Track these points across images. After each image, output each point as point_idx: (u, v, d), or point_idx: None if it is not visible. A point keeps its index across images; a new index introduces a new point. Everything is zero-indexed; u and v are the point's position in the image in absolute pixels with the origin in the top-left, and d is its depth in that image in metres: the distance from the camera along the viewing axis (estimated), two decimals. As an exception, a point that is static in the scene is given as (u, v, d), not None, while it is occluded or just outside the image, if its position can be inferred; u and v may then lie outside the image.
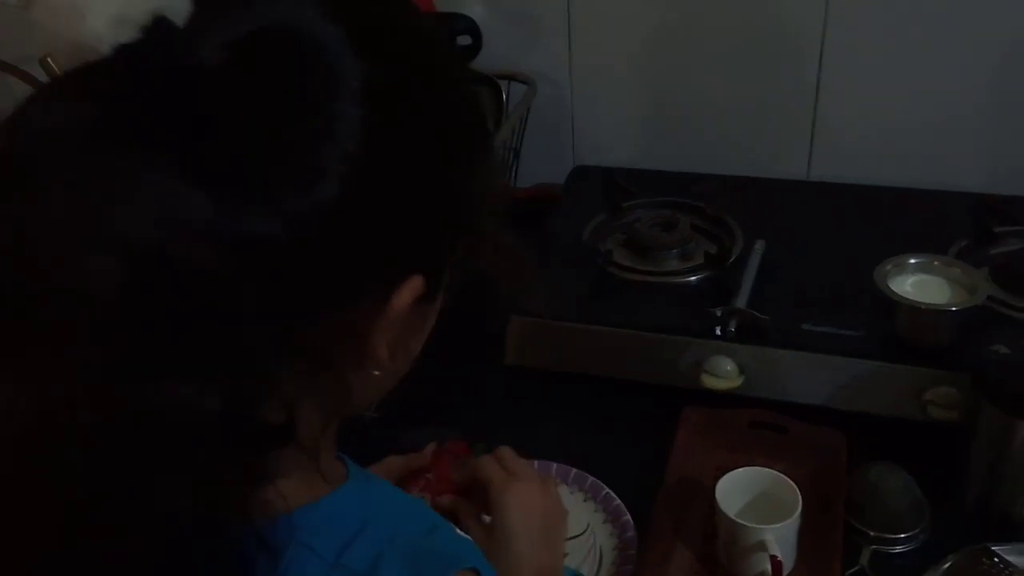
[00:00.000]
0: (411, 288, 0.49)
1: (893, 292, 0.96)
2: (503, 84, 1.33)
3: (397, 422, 1.06)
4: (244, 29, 0.45)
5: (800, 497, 0.85)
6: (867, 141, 1.30)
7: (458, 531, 0.63)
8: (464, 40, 1.14)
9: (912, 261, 1.00)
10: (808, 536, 0.88)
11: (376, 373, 0.52)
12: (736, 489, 0.87)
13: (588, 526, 0.93)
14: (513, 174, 1.37)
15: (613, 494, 0.94)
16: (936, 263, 1.00)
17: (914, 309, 0.95)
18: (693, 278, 1.12)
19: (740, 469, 0.88)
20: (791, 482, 0.86)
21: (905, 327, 0.97)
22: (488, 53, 1.33)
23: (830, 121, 1.31)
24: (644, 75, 1.36)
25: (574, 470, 0.98)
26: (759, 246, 1.14)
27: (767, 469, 0.88)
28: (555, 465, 0.98)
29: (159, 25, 0.43)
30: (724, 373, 1.01)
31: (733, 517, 0.84)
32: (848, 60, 1.26)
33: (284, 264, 0.44)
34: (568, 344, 1.08)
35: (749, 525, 0.83)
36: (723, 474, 0.91)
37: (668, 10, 1.30)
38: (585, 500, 0.95)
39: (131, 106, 0.42)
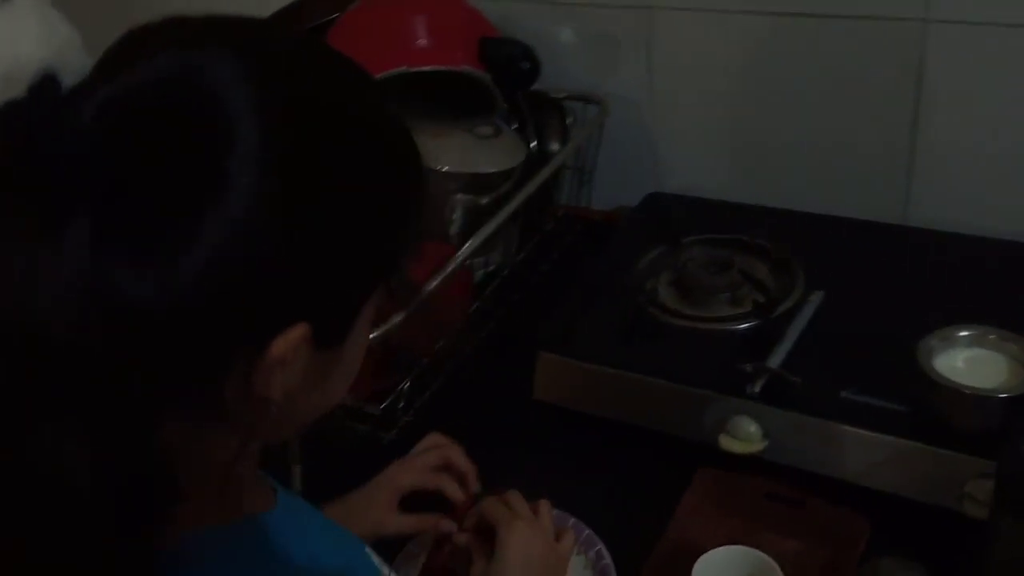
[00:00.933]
0: (291, 338, 0.49)
1: (934, 371, 0.86)
2: (577, 105, 1.30)
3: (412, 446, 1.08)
4: (126, 85, 0.45)
5: (783, 589, 0.78)
6: (970, 186, 1.17)
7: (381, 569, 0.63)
8: (524, 65, 1.12)
9: (962, 334, 0.89)
10: (800, 628, 0.81)
11: (275, 411, 0.51)
12: (720, 570, 0.82)
13: None
14: (586, 195, 1.34)
15: (605, 551, 0.91)
16: (991, 337, 0.89)
17: (957, 392, 0.85)
18: (738, 327, 1.06)
19: (723, 548, 0.82)
20: (778, 569, 0.80)
21: (948, 410, 0.87)
22: (566, 73, 1.30)
23: (930, 161, 1.19)
24: (728, 102, 1.28)
25: (572, 519, 0.94)
26: (816, 297, 1.05)
27: (754, 551, 0.82)
28: (555, 512, 0.95)
29: (44, 83, 0.45)
30: (746, 435, 0.95)
31: (704, 601, 0.78)
32: (948, 98, 1.14)
33: (155, 324, 0.45)
34: (592, 385, 1.04)
35: (718, 613, 0.77)
36: (729, 543, 0.86)
37: (754, 37, 1.22)
38: (577, 553, 0.92)
39: (9, 165, 0.44)
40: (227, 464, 0.52)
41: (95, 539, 0.45)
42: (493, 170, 1.10)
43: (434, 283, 0.99)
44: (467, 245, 1.04)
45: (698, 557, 0.85)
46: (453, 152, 1.08)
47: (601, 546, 0.91)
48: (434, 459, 0.83)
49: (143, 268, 0.44)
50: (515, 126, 1.24)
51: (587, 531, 0.93)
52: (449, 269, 1.01)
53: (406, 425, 1.07)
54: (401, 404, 1.07)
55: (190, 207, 0.44)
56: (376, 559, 0.68)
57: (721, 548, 0.82)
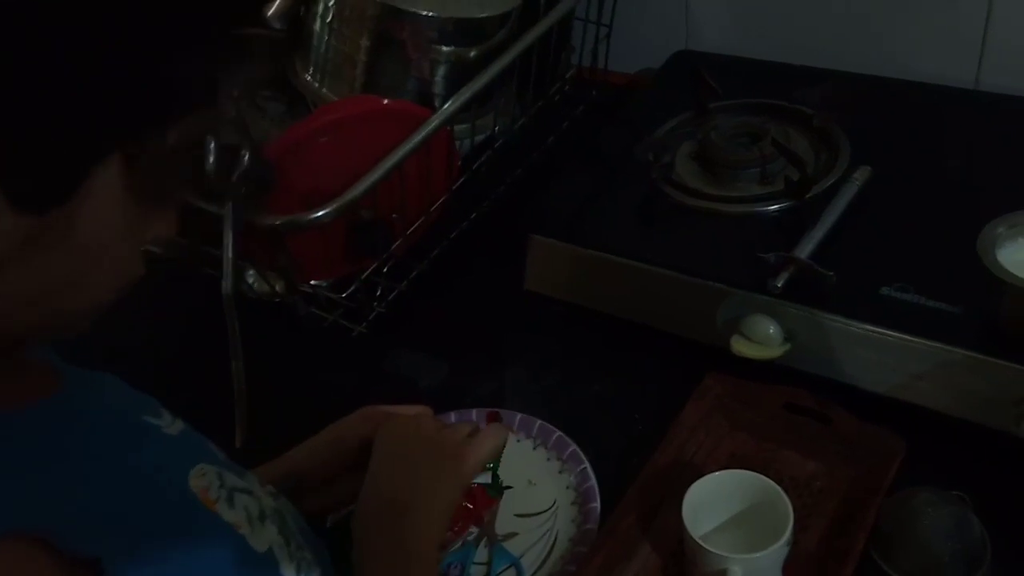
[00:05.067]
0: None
1: (997, 265, 0.70)
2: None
3: (394, 340, 0.96)
4: None
5: (792, 521, 0.65)
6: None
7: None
8: None
9: (1038, 223, 0.72)
10: (811, 566, 0.69)
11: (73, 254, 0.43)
12: (717, 497, 0.69)
13: (554, 504, 0.78)
14: (604, 55, 1.16)
15: (591, 472, 0.78)
16: (1075, 228, 0.72)
17: (1022, 292, 0.69)
18: (766, 209, 0.90)
19: (720, 473, 0.69)
20: (786, 498, 0.67)
21: (1010, 313, 0.72)
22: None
23: (1009, 14, 0.98)
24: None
25: (557, 432, 0.82)
26: (861, 174, 0.89)
27: (758, 476, 0.69)
28: (538, 423, 0.83)
29: None
30: (763, 337, 0.80)
31: (694, 536, 0.66)
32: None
33: None
34: (591, 275, 0.90)
35: (710, 549, 0.65)
36: (736, 462, 0.74)
37: None
38: (560, 472, 0.80)
39: None
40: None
41: None
42: (484, 15, 0.93)
43: (405, 149, 0.85)
44: (447, 105, 0.89)
45: (695, 477, 0.72)
46: (435, -7, 0.91)
47: (586, 465, 0.79)
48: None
49: None
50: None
51: (572, 447, 0.81)
52: (423, 133, 0.86)
53: (378, 317, 0.94)
54: (378, 292, 0.95)
55: None
56: (207, 483, 0.54)
57: (718, 473, 0.69)
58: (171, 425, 0.58)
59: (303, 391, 0.92)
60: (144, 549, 0.46)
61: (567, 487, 0.79)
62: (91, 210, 0.42)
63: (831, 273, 0.79)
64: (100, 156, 0.42)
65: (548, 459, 0.81)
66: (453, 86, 0.94)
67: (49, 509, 0.43)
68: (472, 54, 0.94)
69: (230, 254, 0.73)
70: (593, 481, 0.77)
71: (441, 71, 0.94)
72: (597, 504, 0.76)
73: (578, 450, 0.80)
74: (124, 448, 0.51)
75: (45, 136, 0.39)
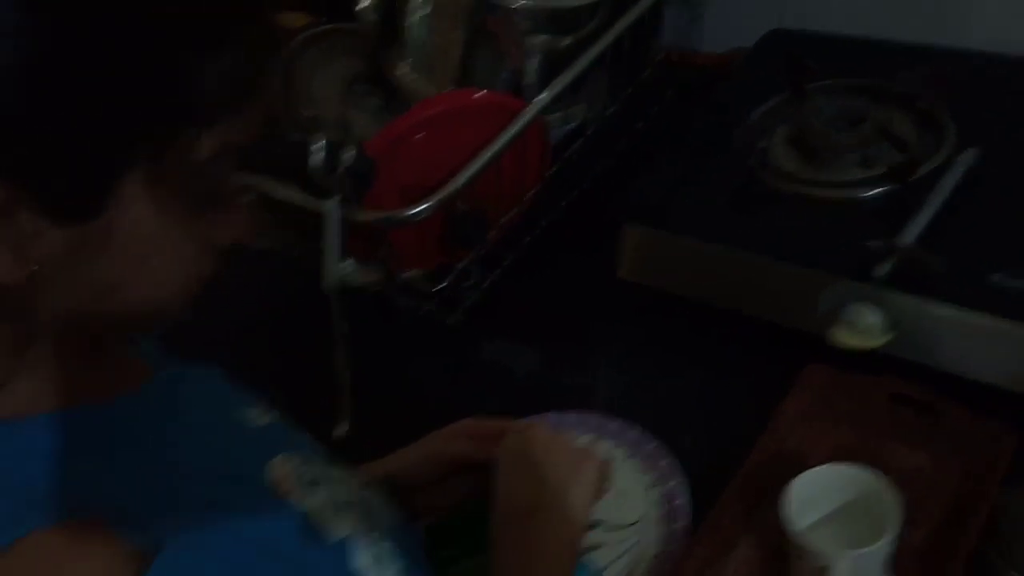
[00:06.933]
0: None
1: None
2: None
3: (487, 329, 0.97)
4: None
5: (899, 517, 0.64)
6: None
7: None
8: None
9: None
10: (920, 561, 0.67)
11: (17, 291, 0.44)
12: (821, 492, 0.68)
13: (639, 520, 0.76)
14: (696, 35, 1.15)
15: (683, 487, 0.77)
16: None
17: None
18: (868, 194, 0.87)
19: (827, 466, 0.68)
20: (893, 493, 0.66)
21: None
22: None
23: None
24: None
25: (654, 443, 0.81)
26: (967, 157, 0.86)
27: (865, 470, 0.67)
28: (635, 431, 0.82)
29: None
30: (866, 327, 0.79)
31: (795, 530, 0.65)
32: None
33: None
34: (686, 263, 0.89)
35: (813, 545, 0.64)
36: (840, 455, 0.72)
37: None
38: (650, 487, 0.78)
39: None
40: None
41: None
42: (576, 4, 0.93)
43: (502, 141, 0.86)
44: (541, 96, 0.89)
45: (798, 470, 0.71)
46: (526, -17, 0.91)
47: (680, 481, 0.77)
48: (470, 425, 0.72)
49: None
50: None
51: (666, 460, 0.79)
52: (519, 124, 0.86)
53: (472, 306, 0.95)
54: (471, 282, 0.96)
55: None
56: (287, 472, 0.56)
57: (822, 467, 0.68)
58: (260, 417, 0.61)
59: (398, 380, 0.94)
60: (204, 529, 0.48)
61: (654, 503, 0.77)
62: (127, 217, 0.44)
63: (938, 259, 0.76)
64: (125, 166, 0.42)
65: (642, 472, 0.79)
66: (545, 76, 0.94)
67: (114, 498, 0.45)
68: (565, 43, 0.93)
69: (336, 247, 0.75)
70: (683, 499, 0.76)
71: (534, 61, 0.94)
72: (687, 523, 0.74)
73: (673, 463, 0.79)
74: (200, 444, 0.54)
75: (66, 150, 0.41)
